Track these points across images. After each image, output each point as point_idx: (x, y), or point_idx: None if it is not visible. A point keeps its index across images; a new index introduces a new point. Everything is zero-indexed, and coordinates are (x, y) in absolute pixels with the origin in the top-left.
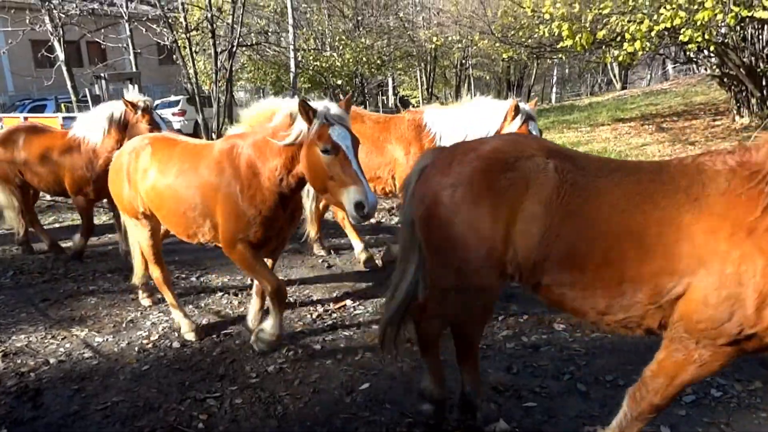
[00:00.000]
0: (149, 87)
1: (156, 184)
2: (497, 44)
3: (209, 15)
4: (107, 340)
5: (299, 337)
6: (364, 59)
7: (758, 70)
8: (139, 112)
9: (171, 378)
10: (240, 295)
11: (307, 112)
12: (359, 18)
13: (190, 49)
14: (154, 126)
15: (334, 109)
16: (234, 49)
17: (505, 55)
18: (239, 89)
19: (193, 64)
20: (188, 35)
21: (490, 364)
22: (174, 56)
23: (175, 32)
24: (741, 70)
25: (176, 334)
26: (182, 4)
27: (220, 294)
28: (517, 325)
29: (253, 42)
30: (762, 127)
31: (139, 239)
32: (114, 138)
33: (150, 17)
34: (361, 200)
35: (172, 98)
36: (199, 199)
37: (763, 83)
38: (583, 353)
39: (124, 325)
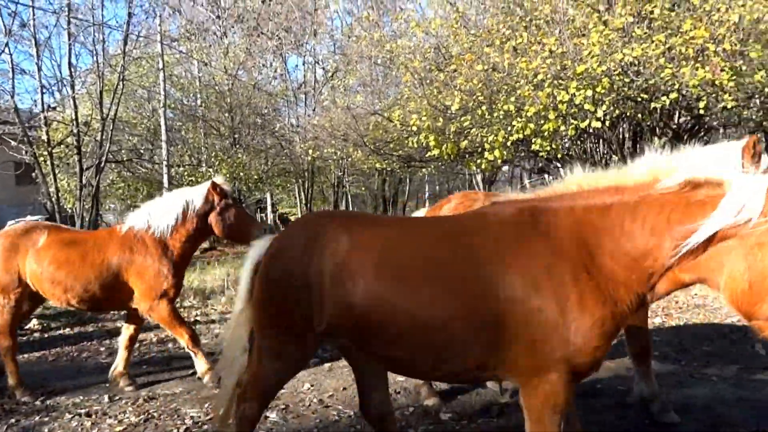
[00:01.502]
0: (3, 208)
1: (369, 291)
2: (370, 156)
3: (75, 130)
4: None
5: None
6: (242, 175)
7: None
8: (228, 199)
9: None
10: (94, 416)
11: None
12: (236, 136)
13: (52, 166)
14: (243, 216)
15: None
16: (102, 165)
17: (378, 166)
18: (108, 212)
19: (55, 181)
20: (50, 149)
21: None
22: (34, 174)
23: (35, 148)
24: None
25: None
26: (44, 118)
27: (69, 416)
28: (403, 419)
29: (124, 159)
30: None
31: (275, 369)
32: (188, 228)
33: (6, 132)
34: None
35: (29, 218)
36: (476, 300)
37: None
38: None
39: None
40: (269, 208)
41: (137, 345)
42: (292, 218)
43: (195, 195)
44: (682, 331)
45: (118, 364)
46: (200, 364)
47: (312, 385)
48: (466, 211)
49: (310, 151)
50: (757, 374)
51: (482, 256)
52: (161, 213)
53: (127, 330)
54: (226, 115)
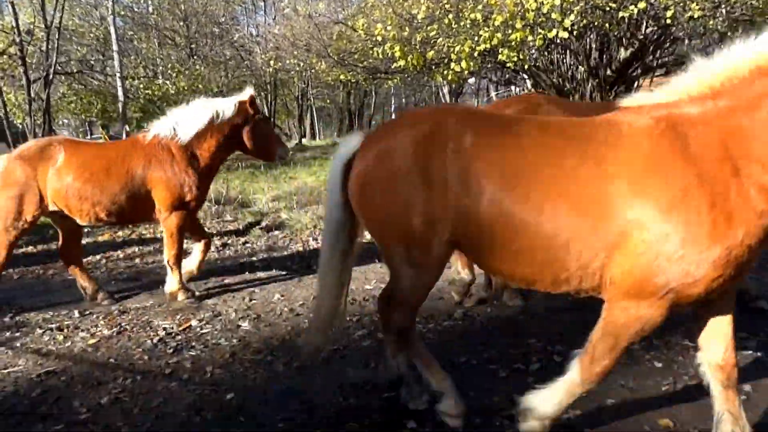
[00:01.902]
0: None
1: (494, 200)
2: (334, 67)
3: (18, 39)
4: None
5: (137, 364)
6: (201, 87)
7: (565, 89)
8: (261, 114)
9: None
10: (66, 330)
11: None
12: (192, 46)
13: None
14: (272, 134)
15: None
16: (50, 77)
17: (342, 78)
18: (61, 127)
19: (0, 95)
20: None
21: (348, 362)
22: None
23: None
24: (552, 89)
25: None
26: None
27: (40, 331)
28: (372, 324)
29: (73, 70)
30: None
31: (409, 277)
32: (218, 138)
33: None
34: None
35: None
36: (601, 221)
37: (570, 100)
38: (437, 341)
39: None
40: None
41: (104, 262)
42: None
43: (228, 105)
44: None
45: (189, 266)
46: (173, 281)
47: (282, 296)
48: (596, 118)
49: (272, 62)
50: None
51: (613, 173)
52: (189, 121)
53: (198, 246)
54: (181, 23)
